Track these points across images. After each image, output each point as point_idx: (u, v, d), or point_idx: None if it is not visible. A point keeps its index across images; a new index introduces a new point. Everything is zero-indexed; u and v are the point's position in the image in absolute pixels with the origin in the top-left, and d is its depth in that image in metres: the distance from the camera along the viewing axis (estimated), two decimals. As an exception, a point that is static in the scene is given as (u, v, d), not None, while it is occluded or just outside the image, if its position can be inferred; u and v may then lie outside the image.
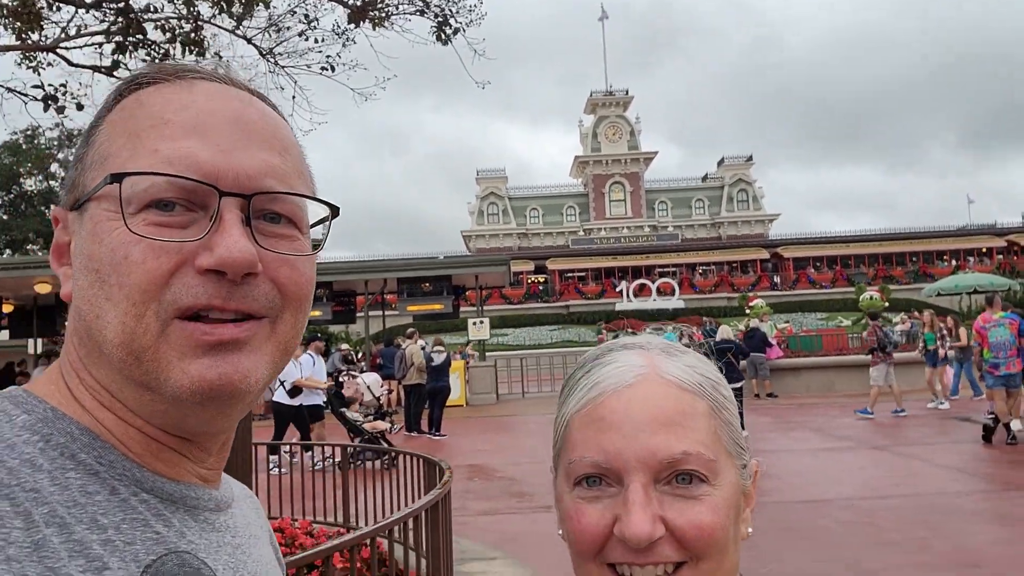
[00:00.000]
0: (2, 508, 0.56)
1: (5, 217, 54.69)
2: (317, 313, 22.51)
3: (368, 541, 2.40)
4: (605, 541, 0.73)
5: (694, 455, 0.73)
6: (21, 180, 54.77)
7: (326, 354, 22.61)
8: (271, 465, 10.78)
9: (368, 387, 16.10)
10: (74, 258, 0.68)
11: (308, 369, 12.00)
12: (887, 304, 25.02)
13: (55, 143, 43.53)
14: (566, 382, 0.84)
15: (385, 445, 10.91)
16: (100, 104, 0.73)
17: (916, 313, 16.85)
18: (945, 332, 15.43)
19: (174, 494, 0.67)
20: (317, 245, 0.73)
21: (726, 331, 13.79)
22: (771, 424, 13.62)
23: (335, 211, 0.74)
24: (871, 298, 23.72)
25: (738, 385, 12.61)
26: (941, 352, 14.93)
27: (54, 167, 46.76)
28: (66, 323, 0.74)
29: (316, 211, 0.74)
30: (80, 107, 7.67)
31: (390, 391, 17.75)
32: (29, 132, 49.23)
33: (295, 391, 11.67)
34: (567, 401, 0.81)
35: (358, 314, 25.51)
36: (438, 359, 14.49)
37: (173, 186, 0.63)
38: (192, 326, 0.63)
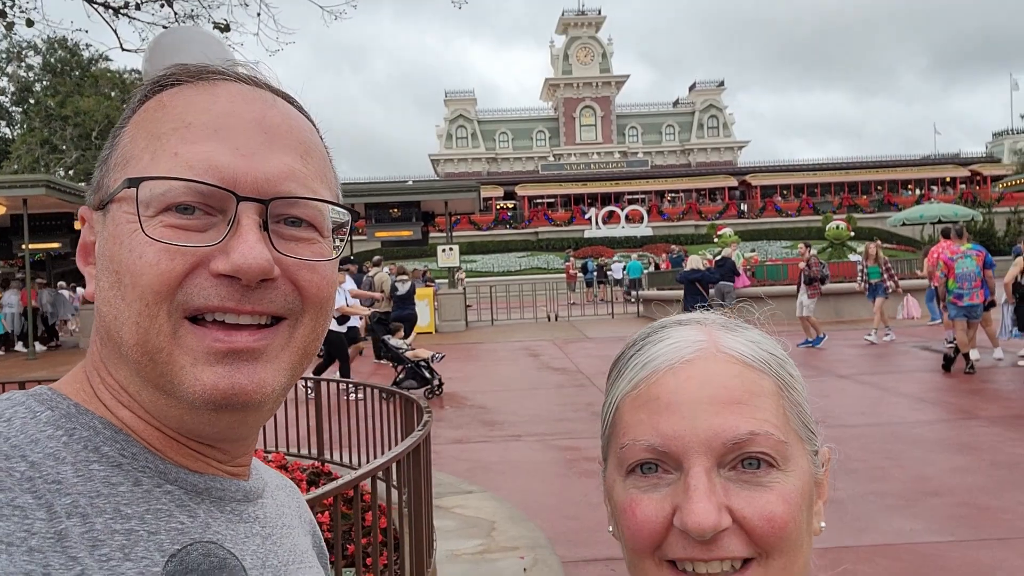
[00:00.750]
0: (25, 501, 0.57)
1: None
2: (283, 238, 22.18)
3: (357, 485, 2.38)
4: (664, 535, 0.65)
5: (762, 436, 0.65)
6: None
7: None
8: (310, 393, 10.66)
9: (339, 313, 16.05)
10: (98, 259, 0.68)
11: (343, 293, 11.37)
12: (852, 234, 25.32)
13: (3, 56, 41.53)
14: (615, 363, 0.76)
15: (427, 374, 10.59)
16: (126, 106, 0.73)
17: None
18: (889, 264, 15.47)
19: (199, 485, 0.68)
20: (337, 249, 0.72)
21: (695, 260, 13.86)
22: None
23: (355, 216, 0.69)
24: (837, 227, 23.94)
25: None
26: (887, 285, 14.91)
27: (3, 81, 44.71)
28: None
29: (337, 214, 0.74)
30: (30, 23, 7.24)
31: (361, 318, 17.67)
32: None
33: (343, 318, 10.90)
34: (616, 383, 0.73)
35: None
36: (402, 288, 14.40)
37: (191, 190, 0.63)
38: (203, 330, 0.63)
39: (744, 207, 60.65)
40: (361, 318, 17.75)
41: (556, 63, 73.66)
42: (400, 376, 10.53)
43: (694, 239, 50.35)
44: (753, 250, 37.41)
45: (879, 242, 16.54)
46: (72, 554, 0.56)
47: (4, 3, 6.93)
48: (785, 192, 60.82)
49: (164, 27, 7.29)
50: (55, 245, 21.36)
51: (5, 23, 6.80)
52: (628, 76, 73.62)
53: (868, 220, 53.19)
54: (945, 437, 7.40)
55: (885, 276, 14.88)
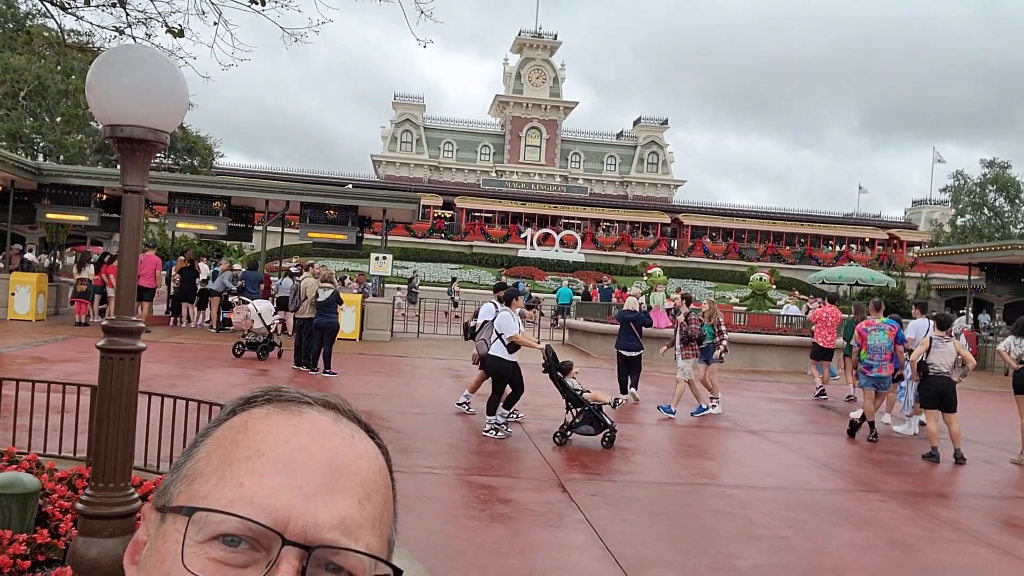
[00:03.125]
0: None
1: None
2: (212, 228, 21.56)
3: None
4: None
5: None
6: None
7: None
8: (487, 427, 9.86)
9: (259, 315, 15.62)
10: (140, 565, 0.68)
11: (515, 319, 10.36)
12: (775, 286, 26.18)
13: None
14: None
15: (606, 420, 9.61)
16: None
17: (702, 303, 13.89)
18: (723, 326, 13.34)
19: None
20: None
21: (632, 302, 14.04)
22: (654, 393, 14.08)
23: (397, 573, 0.72)
24: (761, 279, 24.70)
25: (638, 352, 13.25)
26: (716, 351, 12.80)
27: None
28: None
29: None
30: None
31: (282, 320, 17.28)
32: None
33: (514, 347, 10.16)
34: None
35: (255, 228, 24.53)
36: (323, 295, 14.09)
37: (243, 527, 0.64)
38: None
39: (674, 244, 62.06)
40: (282, 320, 17.38)
41: (508, 81, 74.03)
42: (577, 420, 9.61)
43: (624, 270, 51.18)
44: (678, 289, 38.28)
45: (712, 300, 14.74)
46: None
47: None
48: (714, 234, 62.51)
49: (114, 28, 7.00)
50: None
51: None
52: (577, 103, 74.54)
53: (790, 271, 55.14)
54: (846, 508, 7.66)
55: (717, 339, 12.75)
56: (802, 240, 62.99)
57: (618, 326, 13.90)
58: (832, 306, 16.02)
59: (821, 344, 15.61)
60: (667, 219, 62.70)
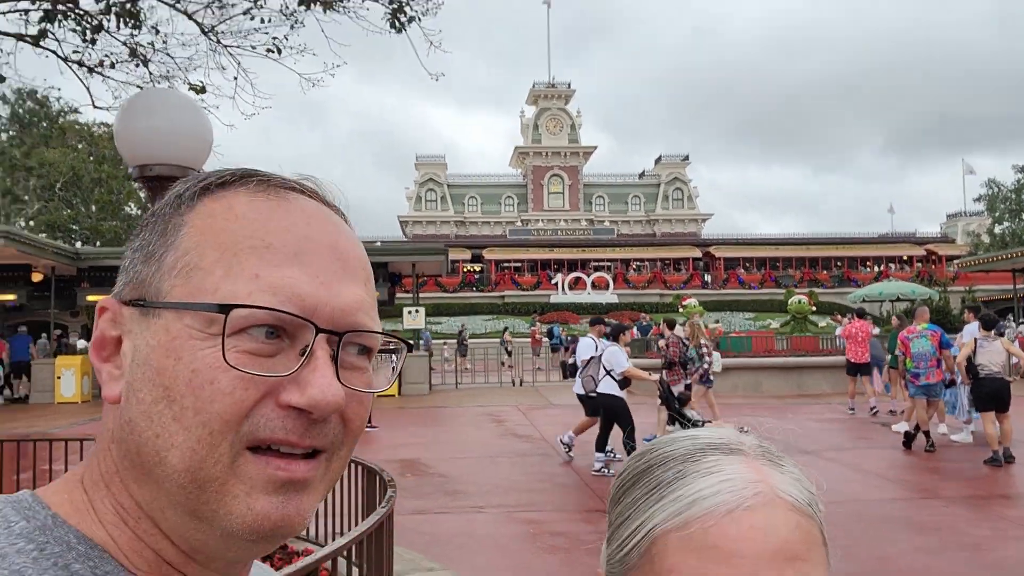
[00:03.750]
0: None
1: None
2: (247, 296, 21.95)
3: (317, 568, 2.28)
4: None
5: None
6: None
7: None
8: (597, 465, 9.68)
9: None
10: (134, 365, 0.63)
11: (622, 354, 10.14)
12: (814, 308, 25.78)
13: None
14: (641, 477, 0.72)
15: None
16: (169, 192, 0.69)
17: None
18: (706, 348, 12.89)
19: None
20: (387, 379, 0.72)
21: (679, 332, 13.90)
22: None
23: (409, 348, 0.74)
24: (800, 302, 24.36)
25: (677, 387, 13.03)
26: (699, 371, 12.45)
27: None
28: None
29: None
30: (1, 79, 7.18)
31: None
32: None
33: (625, 381, 9.99)
34: (650, 508, 0.69)
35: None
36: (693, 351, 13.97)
37: (272, 317, 0.62)
38: (265, 460, 0.61)
39: (708, 278, 61.57)
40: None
41: (526, 132, 75.10)
42: None
43: (659, 307, 50.79)
44: (717, 321, 37.84)
45: (695, 323, 13.57)
46: None
47: None
48: (748, 265, 61.94)
49: (139, 87, 7.29)
50: (11, 297, 20.87)
51: (-23, 77, 6.75)
52: (596, 147, 75.25)
53: (829, 295, 54.26)
54: (907, 516, 7.40)
55: (703, 361, 12.46)
56: (839, 263, 62.13)
57: (661, 360, 13.73)
58: (862, 321, 15.75)
59: (853, 360, 15.38)
60: (698, 253, 62.36)
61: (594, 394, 10.13)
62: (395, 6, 6.77)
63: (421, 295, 25.95)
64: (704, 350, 12.74)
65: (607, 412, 9.98)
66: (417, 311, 21.68)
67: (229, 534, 0.61)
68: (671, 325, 12.79)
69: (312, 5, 6.82)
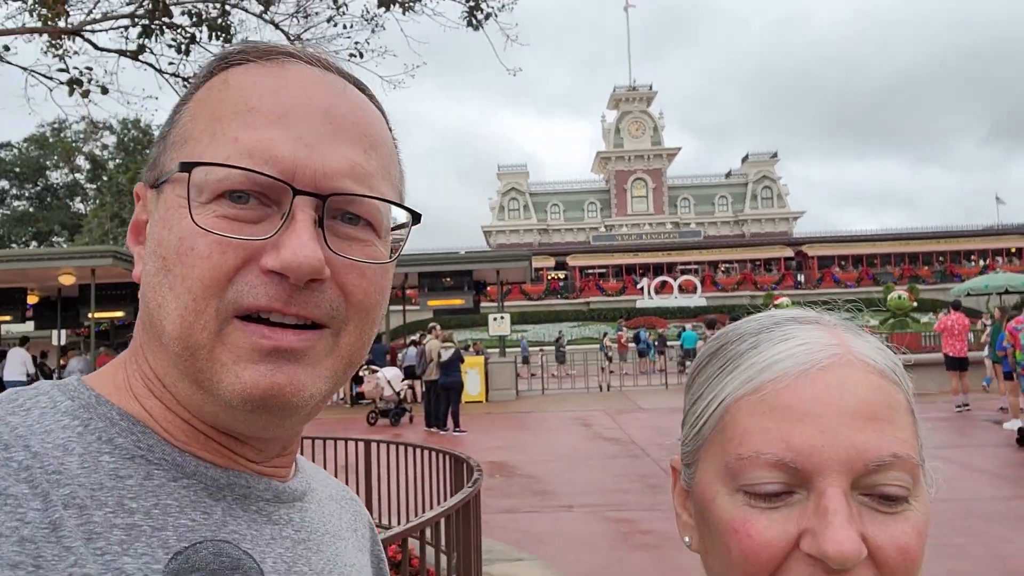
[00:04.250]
0: (20, 490, 0.54)
1: (31, 209, 55.51)
2: (338, 307, 22.55)
3: (400, 542, 2.29)
4: (783, 560, 0.58)
5: (904, 459, 0.58)
6: (47, 173, 55.53)
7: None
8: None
9: (388, 382, 16.09)
10: (147, 240, 0.65)
11: None
12: (915, 304, 24.58)
13: (81, 135, 44.03)
14: (715, 355, 0.68)
15: None
16: (192, 82, 0.70)
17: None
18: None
19: (220, 480, 0.64)
20: (395, 251, 0.70)
21: None
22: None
23: (416, 217, 0.70)
24: (899, 297, 23.28)
25: None
26: None
27: (80, 159, 47.27)
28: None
29: (400, 214, 0.71)
30: (105, 91, 7.65)
31: (411, 386, 17.72)
32: (56, 125, 49.88)
33: None
34: (723, 379, 0.65)
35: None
36: (446, 354, 14.53)
37: (248, 180, 0.60)
38: (252, 327, 0.60)
39: (801, 278, 59.67)
40: (411, 386, 17.82)
41: (608, 136, 74.71)
42: None
43: (749, 310, 49.22)
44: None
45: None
46: (66, 544, 0.53)
47: (80, 72, 7.34)
48: (843, 263, 59.75)
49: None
50: (119, 314, 22.05)
51: (82, 91, 7.20)
52: (679, 149, 74.15)
53: (931, 291, 51.73)
54: (1022, 514, 6.95)
55: None
56: (940, 258, 59.19)
57: None
58: (958, 313, 15.01)
59: (952, 354, 14.65)
60: (790, 252, 60.54)
61: None
62: (471, 4, 6.88)
63: (506, 303, 26.09)
64: None
65: None
66: (502, 318, 21.80)
67: (227, 403, 0.60)
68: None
69: (391, 6, 6.99)
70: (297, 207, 0.61)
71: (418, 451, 5.25)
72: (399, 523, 5.35)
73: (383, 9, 7.10)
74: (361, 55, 7.42)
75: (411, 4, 7.00)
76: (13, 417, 0.58)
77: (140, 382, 0.65)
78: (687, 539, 0.68)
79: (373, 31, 7.39)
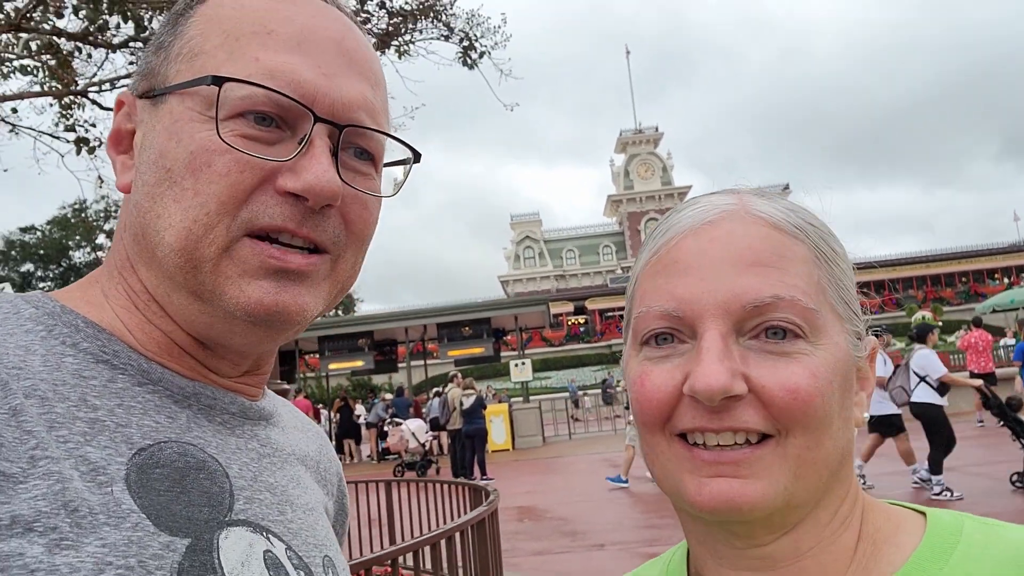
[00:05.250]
0: None
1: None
2: (359, 363, 22.60)
3: (415, 552, 2.27)
4: (674, 405, 0.59)
5: (787, 300, 0.58)
6: (70, 253, 56.66)
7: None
8: (935, 487, 8.46)
9: (413, 433, 16.00)
10: (140, 150, 0.65)
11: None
12: (940, 324, 24.23)
13: (102, 215, 45.00)
14: (644, 240, 0.70)
15: None
16: None
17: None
18: None
19: (186, 389, 0.65)
20: (393, 189, 0.72)
21: None
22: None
23: (417, 156, 0.72)
24: (923, 318, 22.96)
25: None
26: None
27: (101, 238, 48.21)
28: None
29: (391, 151, 0.72)
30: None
31: (435, 437, 17.61)
32: (77, 206, 51.08)
33: (944, 388, 8.84)
34: (640, 255, 0.67)
35: (400, 364, 25.54)
36: (467, 402, 14.46)
37: (271, 101, 0.61)
38: (263, 246, 0.61)
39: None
40: (435, 437, 17.71)
41: (617, 180, 75.32)
42: None
43: (773, 342, 48.95)
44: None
45: None
46: (27, 428, 0.53)
47: (86, 129, 7.49)
48: (865, 289, 58.58)
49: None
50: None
51: (88, 148, 7.34)
52: (690, 187, 74.46)
53: (957, 312, 51.03)
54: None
55: None
56: (963, 279, 58.50)
57: None
58: (979, 330, 14.88)
59: (977, 371, 14.48)
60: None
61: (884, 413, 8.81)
62: (466, 44, 7.05)
63: (528, 350, 26.05)
64: None
65: (927, 425, 8.73)
66: (523, 363, 21.71)
67: (229, 315, 0.61)
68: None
69: (385, 51, 7.18)
70: (316, 134, 0.62)
71: (437, 486, 5.21)
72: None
73: (379, 54, 7.26)
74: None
75: (406, 47, 7.20)
76: None
77: (122, 295, 0.65)
78: (631, 417, 0.69)
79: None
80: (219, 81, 0.60)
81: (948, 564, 0.58)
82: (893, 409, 8.98)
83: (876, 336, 0.70)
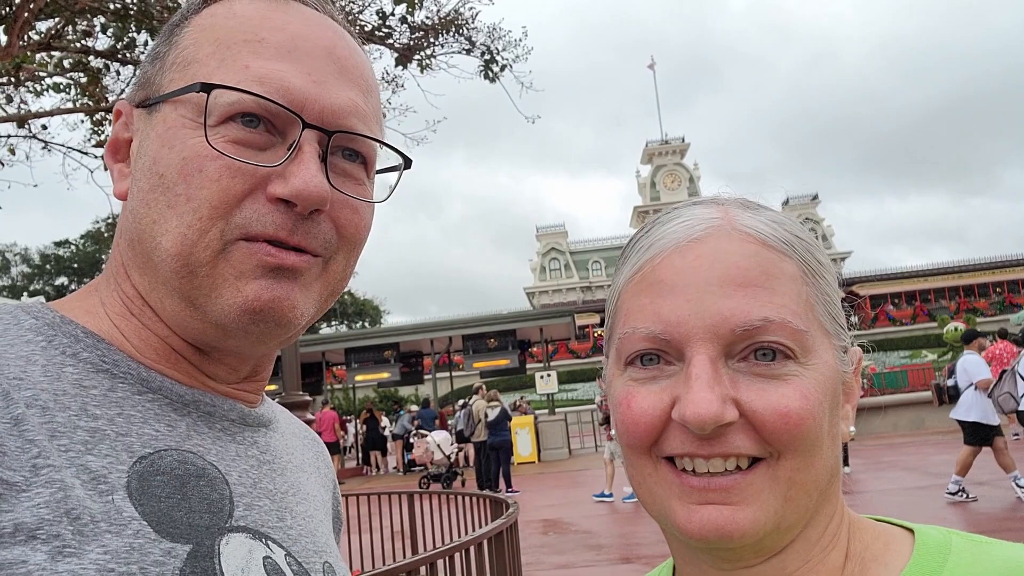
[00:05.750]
0: None
1: (90, 302, 57.47)
2: (386, 375, 22.69)
3: (429, 565, 2.27)
4: (662, 429, 0.58)
5: (777, 323, 0.57)
6: (103, 266, 57.74)
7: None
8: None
9: (438, 445, 16.01)
10: (136, 158, 0.66)
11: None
12: (974, 335, 23.79)
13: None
14: (623, 251, 0.69)
15: None
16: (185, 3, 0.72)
17: None
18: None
19: (185, 396, 0.65)
20: (384, 194, 0.73)
21: None
22: (862, 465, 12.94)
23: (408, 163, 0.73)
24: (956, 329, 22.56)
25: None
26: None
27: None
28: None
29: (385, 158, 0.74)
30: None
31: (461, 449, 17.60)
32: (110, 220, 52.10)
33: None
34: (621, 268, 0.65)
35: (425, 376, 25.61)
36: (492, 413, 14.45)
37: (259, 107, 0.62)
38: (257, 245, 0.62)
39: (854, 318, 58.14)
40: (461, 449, 17.71)
41: (643, 190, 75.16)
42: None
43: (802, 354, 48.38)
44: (869, 361, 35.60)
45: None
46: (29, 437, 0.53)
47: None
48: (896, 300, 58.33)
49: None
50: (272, 388, 22.79)
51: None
52: (717, 197, 74.22)
53: (991, 323, 50.01)
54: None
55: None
56: (997, 289, 57.40)
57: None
58: (1004, 342, 14.56)
59: None
60: (841, 293, 59.29)
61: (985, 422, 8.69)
62: (487, 58, 7.09)
63: (553, 363, 26.01)
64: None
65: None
66: (549, 375, 21.66)
67: (221, 318, 0.61)
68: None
69: (408, 65, 7.25)
70: (305, 139, 0.63)
71: (460, 498, 5.20)
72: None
73: (401, 68, 7.37)
74: (384, 115, 7.64)
75: (428, 61, 7.26)
76: None
77: (117, 302, 0.66)
78: (613, 432, 0.67)
79: (394, 91, 7.66)
80: (208, 88, 0.61)
81: None
82: (987, 418, 8.82)
83: (862, 348, 0.68)
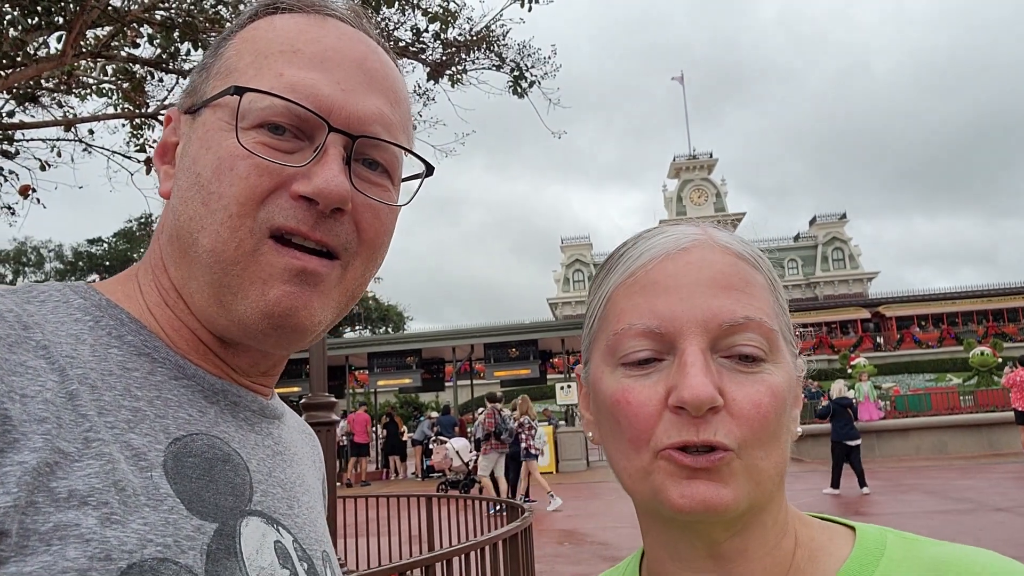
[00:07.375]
0: (40, 364, 0.58)
1: (121, 299, 58.24)
2: (407, 380, 22.84)
3: (445, 561, 2.38)
4: (658, 420, 0.65)
5: (756, 322, 0.66)
6: (140, 260, 58.50)
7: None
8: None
9: (457, 452, 16.12)
10: (179, 159, 0.71)
11: None
12: (1000, 360, 23.47)
13: (165, 228, 46.44)
14: (605, 262, 0.77)
15: None
16: (234, 22, 0.77)
17: None
18: (533, 423, 13.84)
19: (215, 386, 0.70)
20: (405, 200, 0.76)
21: (839, 386, 13.36)
22: (882, 487, 12.83)
23: (430, 170, 0.77)
24: (982, 353, 22.32)
25: (856, 442, 12.39)
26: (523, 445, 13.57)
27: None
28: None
29: (410, 167, 0.77)
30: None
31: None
32: (143, 219, 52.89)
33: None
34: (608, 277, 0.73)
35: (447, 383, 25.74)
36: (511, 423, 14.45)
37: (288, 111, 0.67)
38: (285, 249, 0.66)
39: (880, 339, 57.62)
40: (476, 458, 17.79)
41: (670, 205, 74.90)
42: None
43: (827, 374, 47.82)
44: (894, 383, 35.11)
45: (526, 396, 14.49)
46: (82, 412, 0.58)
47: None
48: (923, 323, 57.52)
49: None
50: (295, 389, 22.88)
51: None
52: (744, 214, 73.75)
53: (1020, 348, 49.13)
54: None
55: (523, 436, 13.53)
56: (1028, 313, 56.43)
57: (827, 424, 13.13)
58: None
59: (1021, 408, 14.06)
60: (866, 314, 58.71)
61: None
62: (516, 74, 7.24)
63: (573, 374, 26.01)
64: (532, 424, 13.68)
65: None
66: (570, 386, 21.68)
67: (242, 319, 0.66)
68: (492, 399, 13.84)
69: (439, 80, 7.42)
70: (330, 143, 0.67)
71: (476, 503, 5.30)
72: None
73: (432, 82, 7.54)
74: (415, 127, 7.76)
75: (459, 76, 7.43)
76: (29, 305, 0.63)
77: (154, 292, 0.71)
78: (590, 434, 0.75)
79: (425, 104, 7.82)
80: (241, 91, 0.66)
81: (874, 575, 0.66)
82: None
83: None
